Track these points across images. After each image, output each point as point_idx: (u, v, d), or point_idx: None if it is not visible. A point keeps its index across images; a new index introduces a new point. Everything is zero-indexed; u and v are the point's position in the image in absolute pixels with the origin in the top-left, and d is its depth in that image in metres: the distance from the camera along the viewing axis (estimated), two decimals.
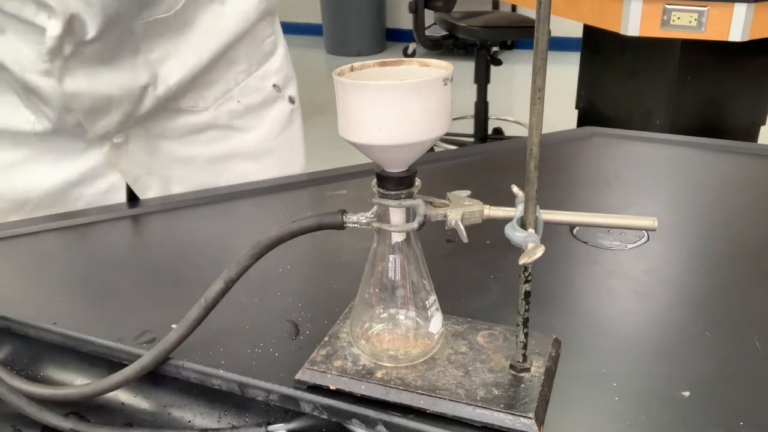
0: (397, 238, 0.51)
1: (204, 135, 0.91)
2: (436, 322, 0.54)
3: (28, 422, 0.57)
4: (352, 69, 0.49)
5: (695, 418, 0.50)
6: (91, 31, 0.74)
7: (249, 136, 0.94)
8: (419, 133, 0.46)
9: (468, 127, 3.37)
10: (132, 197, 0.90)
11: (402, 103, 0.44)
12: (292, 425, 0.56)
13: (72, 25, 0.73)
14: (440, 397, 0.50)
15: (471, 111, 3.30)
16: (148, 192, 0.90)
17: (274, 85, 0.95)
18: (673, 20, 1.87)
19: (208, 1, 0.84)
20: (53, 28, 0.73)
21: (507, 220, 0.48)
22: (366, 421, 0.51)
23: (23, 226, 0.81)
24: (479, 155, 1.03)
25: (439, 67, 0.48)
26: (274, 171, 0.97)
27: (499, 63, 3.31)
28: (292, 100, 0.99)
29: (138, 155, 0.88)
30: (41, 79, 0.76)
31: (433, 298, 0.54)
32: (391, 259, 0.52)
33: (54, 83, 0.77)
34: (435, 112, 0.46)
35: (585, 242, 0.73)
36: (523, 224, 0.47)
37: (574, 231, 0.75)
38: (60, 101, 0.78)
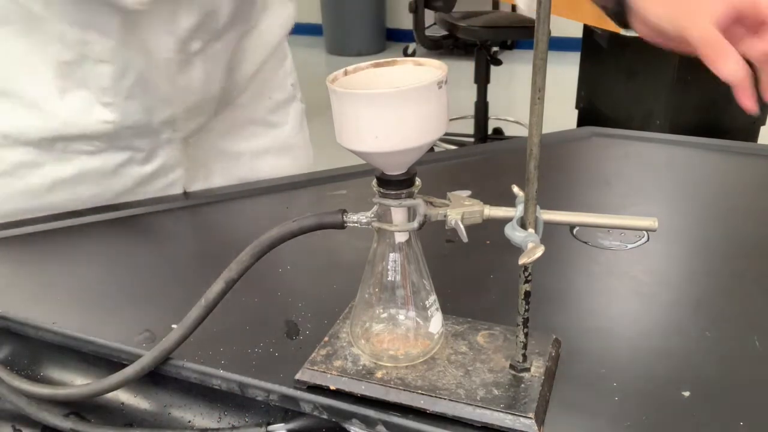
0: (398, 238, 0.51)
1: (246, 130, 0.95)
2: (436, 322, 0.54)
3: (28, 422, 0.57)
4: (345, 73, 0.49)
5: (695, 418, 0.50)
6: (219, 28, 0.79)
7: (279, 132, 0.99)
8: (415, 139, 0.46)
9: (468, 127, 3.36)
10: None
11: (396, 111, 0.44)
12: (292, 425, 0.56)
13: (204, 20, 0.77)
14: (440, 397, 0.50)
15: (471, 111, 3.29)
16: (194, 184, 0.92)
17: (291, 84, 1.00)
18: None
19: (276, 5, 0.90)
20: (188, 20, 0.76)
21: (507, 220, 0.48)
22: (366, 421, 0.51)
23: (23, 226, 0.81)
24: (479, 155, 1.03)
25: (434, 67, 0.48)
26: (301, 165, 1.01)
27: (499, 63, 3.31)
28: (301, 100, 1.04)
29: (200, 151, 0.91)
30: (161, 67, 0.78)
31: (433, 298, 0.54)
32: (391, 258, 0.52)
33: (173, 74, 0.79)
34: (430, 116, 0.45)
35: (585, 242, 0.73)
36: (523, 224, 0.47)
37: (574, 231, 0.75)
38: (169, 93, 0.80)
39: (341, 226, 0.52)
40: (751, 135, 2.31)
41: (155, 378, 0.58)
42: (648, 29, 0.70)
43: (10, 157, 0.80)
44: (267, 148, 0.97)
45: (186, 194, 0.90)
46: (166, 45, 0.76)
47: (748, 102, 0.61)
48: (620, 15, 0.73)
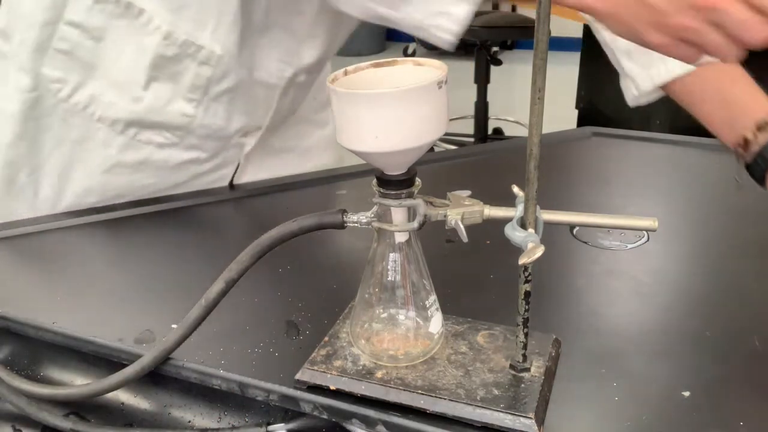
0: (398, 238, 0.51)
1: (294, 129, 0.96)
2: (436, 322, 0.54)
3: (28, 422, 0.57)
4: (345, 73, 0.49)
5: (695, 418, 0.50)
6: (324, 65, 0.85)
7: (324, 130, 1.01)
8: (416, 139, 0.46)
9: (468, 127, 3.36)
10: None
11: (397, 111, 0.44)
12: (292, 425, 0.56)
13: (323, 57, 0.83)
14: (440, 397, 0.50)
15: (471, 111, 3.29)
16: (240, 178, 0.93)
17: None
18: None
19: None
20: (310, 56, 0.82)
21: (507, 220, 0.48)
22: (366, 421, 0.51)
23: (23, 226, 0.81)
24: (479, 155, 1.03)
25: (434, 67, 0.48)
26: (336, 162, 1.03)
27: (499, 63, 3.30)
28: None
29: (255, 153, 0.92)
30: (264, 89, 0.82)
31: (433, 298, 0.54)
32: (391, 258, 0.52)
33: (275, 95, 0.84)
34: (430, 116, 0.45)
35: (585, 242, 0.73)
36: (523, 224, 0.47)
37: (574, 231, 0.75)
38: (261, 109, 0.84)
39: (341, 226, 0.52)
40: None
41: (155, 378, 0.58)
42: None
43: (82, 129, 0.80)
44: (312, 146, 0.99)
45: (185, 194, 0.90)
46: (279, 73, 0.81)
47: None
48: None
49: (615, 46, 0.79)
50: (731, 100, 0.69)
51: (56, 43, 0.76)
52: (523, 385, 0.50)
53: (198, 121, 0.81)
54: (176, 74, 0.78)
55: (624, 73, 0.79)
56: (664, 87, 0.75)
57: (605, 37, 0.80)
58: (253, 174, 0.94)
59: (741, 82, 0.70)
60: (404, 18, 0.69)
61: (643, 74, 0.76)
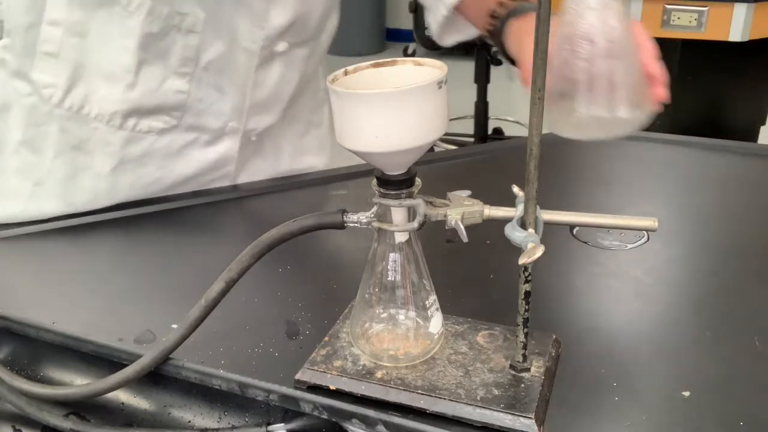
0: (398, 238, 0.51)
1: (293, 127, 0.97)
2: (436, 322, 0.54)
3: (28, 422, 0.57)
4: (346, 73, 0.49)
5: (695, 418, 0.50)
6: (306, 36, 0.83)
7: (319, 131, 1.01)
8: (416, 139, 0.46)
9: (468, 127, 3.36)
10: None
11: (397, 111, 0.44)
12: (292, 425, 0.56)
13: (295, 23, 0.81)
14: (440, 397, 0.50)
15: (471, 111, 3.29)
16: (239, 178, 0.93)
17: (324, 89, 1.03)
18: (673, 20, 1.87)
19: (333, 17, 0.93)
20: (280, 19, 0.80)
21: (507, 220, 0.48)
22: (366, 421, 0.51)
23: (23, 227, 0.81)
24: (479, 155, 1.03)
25: (434, 67, 0.48)
26: (326, 166, 1.04)
27: (499, 63, 3.30)
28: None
29: (253, 147, 0.92)
30: (243, 56, 0.80)
31: (433, 298, 0.54)
32: (391, 258, 0.52)
33: (252, 66, 0.81)
34: (431, 116, 0.45)
35: (585, 242, 0.73)
36: (523, 224, 0.47)
37: (574, 231, 0.75)
38: (244, 82, 0.82)
39: (341, 226, 0.52)
40: (751, 135, 2.31)
41: (155, 378, 0.58)
42: None
43: (81, 133, 0.80)
44: (308, 147, 0.99)
45: (185, 194, 0.90)
46: (252, 37, 0.80)
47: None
48: None
49: None
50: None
51: (42, 46, 0.76)
52: (523, 385, 0.50)
53: (193, 95, 0.81)
54: (165, 51, 0.78)
55: (426, 7, 0.90)
56: (458, 10, 0.86)
57: None
58: (251, 173, 0.94)
59: None
60: None
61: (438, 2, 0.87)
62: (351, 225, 0.51)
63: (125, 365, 0.56)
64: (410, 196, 0.49)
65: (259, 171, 0.95)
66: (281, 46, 0.82)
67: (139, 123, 0.81)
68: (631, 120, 0.60)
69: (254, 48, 0.81)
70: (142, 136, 0.82)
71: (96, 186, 0.84)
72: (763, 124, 2.32)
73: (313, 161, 1.00)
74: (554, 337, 0.56)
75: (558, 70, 0.55)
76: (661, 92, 0.63)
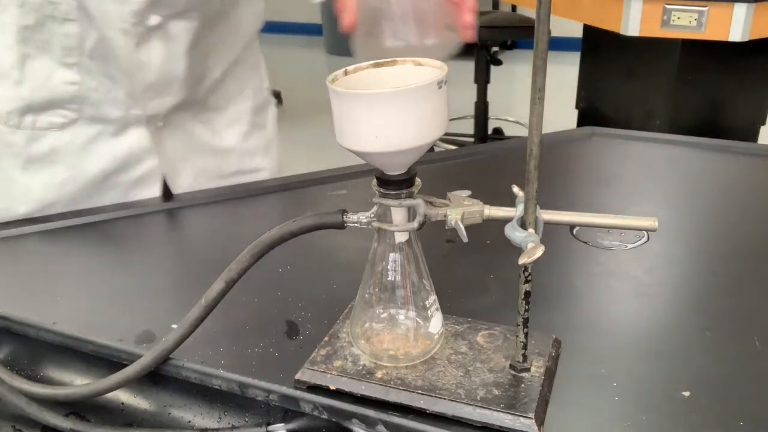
0: (398, 238, 0.51)
1: (234, 129, 0.96)
2: (436, 322, 0.54)
3: (28, 422, 0.57)
4: (345, 73, 0.49)
5: (695, 418, 0.50)
6: (178, 6, 0.78)
7: (264, 133, 1.01)
8: (416, 139, 0.46)
9: (468, 127, 3.36)
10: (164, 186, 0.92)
11: (397, 110, 0.44)
12: (292, 425, 0.56)
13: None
14: (440, 397, 0.50)
15: (471, 111, 3.29)
16: (178, 178, 0.92)
17: (266, 88, 1.03)
18: (673, 20, 1.87)
19: (242, 2, 0.90)
20: None
21: (507, 220, 0.48)
22: (366, 421, 0.51)
23: (23, 227, 0.81)
24: (479, 155, 1.03)
25: (434, 67, 0.48)
26: (276, 169, 1.03)
27: (499, 63, 3.30)
28: (276, 105, 1.06)
29: (176, 141, 0.90)
30: (119, 37, 0.78)
31: (433, 298, 0.54)
32: (391, 258, 0.52)
33: (131, 46, 0.79)
34: (431, 116, 0.45)
35: (585, 242, 0.73)
36: (523, 224, 0.47)
37: (574, 231, 0.75)
38: (128, 66, 0.80)
39: (341, 226, 0.52)
40: (751, 135, 2.31)
41: (155, 378, 0.58)
42: None
43: None
44: (255, 148, 0.99)
45: (186, 194, 0.90)
46: (120, 15, 0.77)
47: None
48: None
49: None
50: None
51: None
52: (523, 385, 0.50)
53: (86, 85, 0.81)
54: (46, 43, 0.77)
55: None
56: None
57: None
58: (194, 174, 0.93)
59: None
60: None
61: None
62: (351, 225, 0.51)
63: (125, 365, 0.56)
64: (410, 196, 0.49)
65: (203, 172, 0.93)
66: (153, 20, 0.79)
67: (38, 120, 0.81)
68: (439, 47, 0.61)
69: (126, 27, 0.78)
70: (44, 133, 0.82)
71: (10, 191, 0.83)
72: (763, 124, 2.32)
73: (261, 163, 1.00)
74: (554, 337, 0.56)
75: (365, 2, 0.57)
76: (468, 18, 0.62)
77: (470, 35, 0.64)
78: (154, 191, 0.90)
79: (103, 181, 0.87)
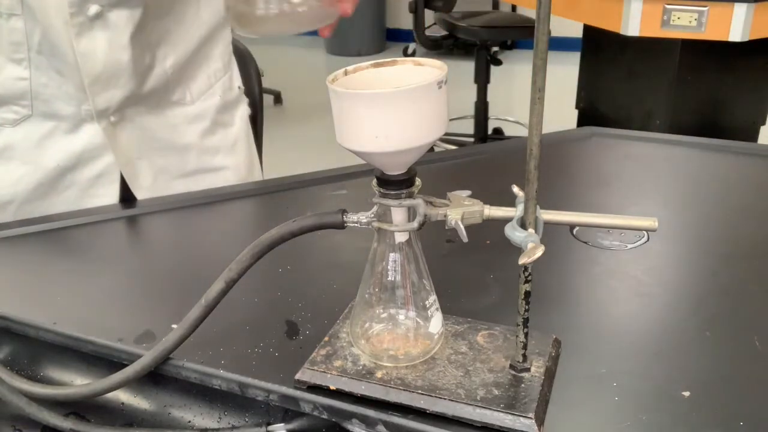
0: (398, 238, 0.51)
1: (195, 126, 0.95)
2: (436, 322, 0.54)
3: (28, 422, 0.57)
4: (346, 73, 0.49)
5: (695, 418, 0.50)
6: None
7: (229, 131, 1.00)
8: (416, 139, 0.46)
9: (468, 127, 3.36)
10: (124, 186, 0.91)
11: (397, 111, 0.44)
12: (292, 425, 0.56)
13: None
14: (440, 397, 0.50)
15: (471, 111, 3.29)
16: (137, 177, 0.91)
17: (239, 87, 1.03)
18: (673, 20, 1.87)
19: None
20: None
21: (507, 220, 0.48)
22: (366, 421, 0.51)
23: (24, 227, 0.81)
24: (479, 155, 1.03)
25: (434, 67, 0.48)
26: (248, 165, 1.03)
27: (499, 63, 3.31)
28: (249, 105, 1.06)
29: (132, 137, 0.89)
30: (60, 29, 0.78)
31: (433, 298, 0.54)
32: (391, 258, 0.52)
33: (72, 37, 0.78)
34: (431, 116, 0.45)
35: (585, 242, 0.73)
36: (523, 224, 0.47)
37: (574, 231, 0.75)
38: (71, 58, 0.79)
39: (341, 226, 0.52)
40: (751, 135, 2.31)
41: (155, 378, 0.58)
42: None
43: None
44: (217, 147, 0.98)
45: (186, 194, 0.90)
46: (58, 5, 0.77)
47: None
48: None
49: None
50: None
51: None
52: (523, 385, 0.50)
53: (35, 81, 0.81)
54: None
55: None
56: None
57: None
58: (154, 171, 0.92)
59: None
60: None
61: None
62: (351, 225, 0.51)
63: (125, 365, 0.56)
64: (410, 196, 0.49)
65: (162, 170, 0.93)
66: (93, 9, 0.78)
67: None
68: (313, 17, 0.62)
69: (65, 17, 0.77)
70: None
71: None
72: (763, 124, 2.32)
73: (224, 161, 0.99)
74: (554, 337, 0.56)
75: None
76: None
77: (345, 8, 0.64)
78: (113, 190, 0.89)
79: (58, 178, 0.87)
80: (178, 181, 0.94)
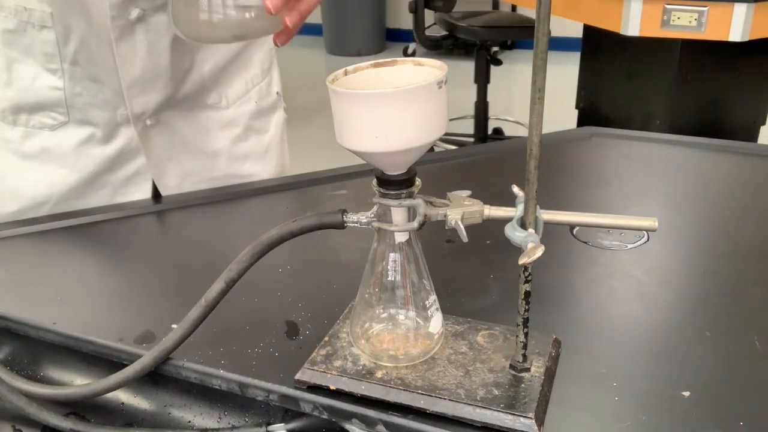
0: (398, 238, 0.51)
1: (227, 132, 0.94)
2: (436, 322, 0.54)
3: (28, 422, 0.57)
4: (345, 73, 0.49)
5: (695, 418, 0.50)
6: (158, 0, 0.78)
7: (262, 138, 0.99)
8: (416, 139, 0.46)
9: (468, 127, 3.36)
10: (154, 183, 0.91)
11: (397, 111, 0.44)
12: (292, 425, 0.56)
13: None
14: (440, 397, 0.50)
15: (471, 111, 3.29)
16: (165, 178, 0.91)
17: (278, 93, 1.01)
18: (673, 20, 1.87)
19: None
20: None
21: (507, 220, 0.48)
22: (366, 421, 0.51)
23: (24, 226, 0.81)
24: (479, 155, 1.03)
25: (434, 67, 0.48)
26: (278, 173, 1.02)
27: (499, 63, 3.31)
28: (285, 110, 1.05)
29: (164, 139, 0.90)
30: (101, 33, 0.78)
31: (433, 298, 0.54)
32: (391, 258, 0.52)
33: (112, 40, 0.79)
34: (430, 116, 0.45)
35: (585, 242, 0.73)
36: (523, 224, 0.47)
37: (574, 231, 0.75)
38: (110, 62, 0.80)
39: (341, 226, 0.52)
40: (751, 135, 2.31)
41: (155, 378, 0.58)
42: None
43: None
44: (247, 153, 0.97)
45: (185, 194, 0.90)
46: (102, 9, 0.77)
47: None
48: None
49: None
50: None
51: None
52: (523, 385, 0.50)
53: (69, 90, 0.82)
54: (28, 47, 0.79)
55: None
56: None
57: None
58: (180, 175, 0.91)
59: None
60: None
61: None
62: (351, 225, 0.51)
63: (125, 365, 0.56)
64: (410, 196, 0.49)
65: (189, 173, 0.92)
66: (134, 13, 0.78)
67: (31, 119, 0.83)
68: (259, 26, 0.62)
69: (106, 21, 0.77)
70: (37, 132, 0.84)
71: (0, 188, 0.84)
72: (763, 124, 2.32)
73: (253, 169, 0.98)
74: (554, 337, 0.56)
75: None
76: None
77: (291, 21, 0.65)
78: (145, 190, 0.89)
79: (92, 181, 0.87)
80: (205, 185, 0.94)
